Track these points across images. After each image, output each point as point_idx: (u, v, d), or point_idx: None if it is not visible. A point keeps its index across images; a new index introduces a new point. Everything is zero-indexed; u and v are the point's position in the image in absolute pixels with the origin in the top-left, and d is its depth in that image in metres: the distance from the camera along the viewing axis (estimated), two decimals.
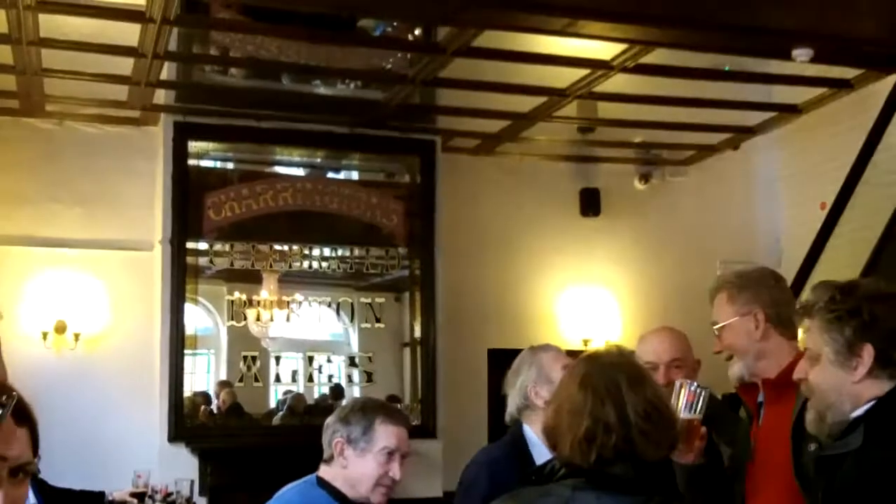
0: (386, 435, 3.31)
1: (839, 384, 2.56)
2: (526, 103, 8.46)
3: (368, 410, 3.38)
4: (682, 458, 3.11)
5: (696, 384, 3.16)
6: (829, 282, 2.71)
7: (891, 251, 8.10)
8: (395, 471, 3.31)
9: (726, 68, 8.02)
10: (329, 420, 3.41)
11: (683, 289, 8.53)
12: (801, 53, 6.63)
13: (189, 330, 8.38)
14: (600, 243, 9.92)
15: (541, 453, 3.50)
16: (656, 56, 7.38)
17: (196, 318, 8.63)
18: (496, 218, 9.67)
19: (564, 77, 7.93)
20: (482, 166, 9.74)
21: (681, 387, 3.15)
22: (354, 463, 3.31)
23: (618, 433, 2.37)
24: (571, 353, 3.73)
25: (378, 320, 9.06)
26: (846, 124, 8.74)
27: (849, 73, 7.99)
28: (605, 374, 2.46)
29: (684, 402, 3.12)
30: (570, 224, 9.96)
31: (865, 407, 2.53)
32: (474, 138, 9.41)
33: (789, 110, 8.81)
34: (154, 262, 8.48)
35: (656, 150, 9.89)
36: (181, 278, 8.30)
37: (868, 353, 2.52)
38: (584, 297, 9.83)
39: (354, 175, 9.71)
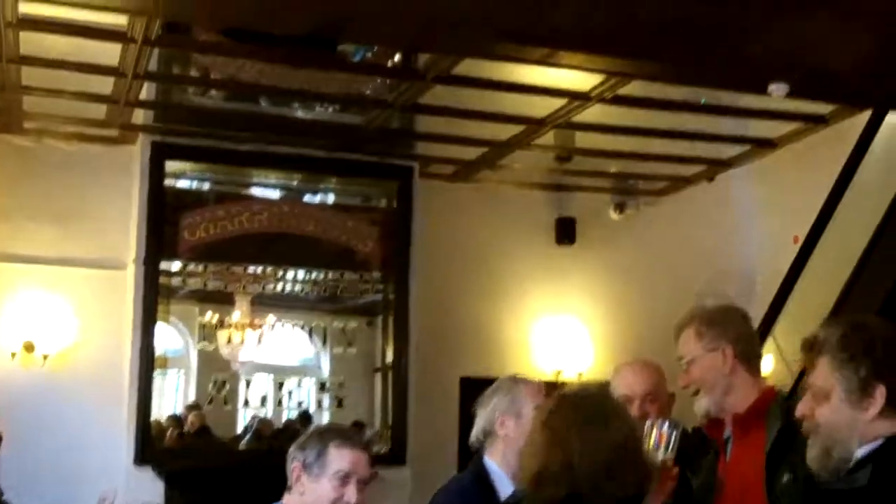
0: (339, 458, 3.26)
1: (849, 422, 2.56)
2: (504, 131, 8.50)
3: (324, 435, 3.35)
4: (654, 501, 3.11)
5: (667, 423, 3.16)
6: (838, 318, 2.73)
7: (862, 285, 8.15)
8: (351, 495, 3.24)
9: (703, 101, 8.07)
10: (291, 447, 3.39)
11: (657, 320, 8.42)
12: (777, 88, 6.67)
13: (159, 351, 8.33)
14: (575, 272, 9.94)
15: (503, 484, 3.51)
16: (634, 87, 7.43)
17: (167, 338, 8.59)
18: (472, 244, 9.67)
19: (542, 106, 7.96)
20: (459, 193, 9.74)
21: (652, 426, 3.16)
22: (310, 488, 3.27)
23: (568, 476, 2.36)
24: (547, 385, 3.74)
25: (350, 345, 9.05)
26: (821, 158, 8.79)
27: (824, 108, 8.07)
28: (566, 414, 2.45)
29: (655, 442, 3.12)
30: (546, 252, 9.98)
31: (872, 445, 2.54)
32: (452, 164, 9.43)
33: (764, 144, 8.87)
34: (127, 282, 8.43)
35: (632, 180, 9.93)
36: (153, 298, 8.25)
37: (881, 393, 2.52)
38: (558, 326, 9.83)
39: (331, 198, 9.71)
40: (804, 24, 6.11)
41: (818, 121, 8.26)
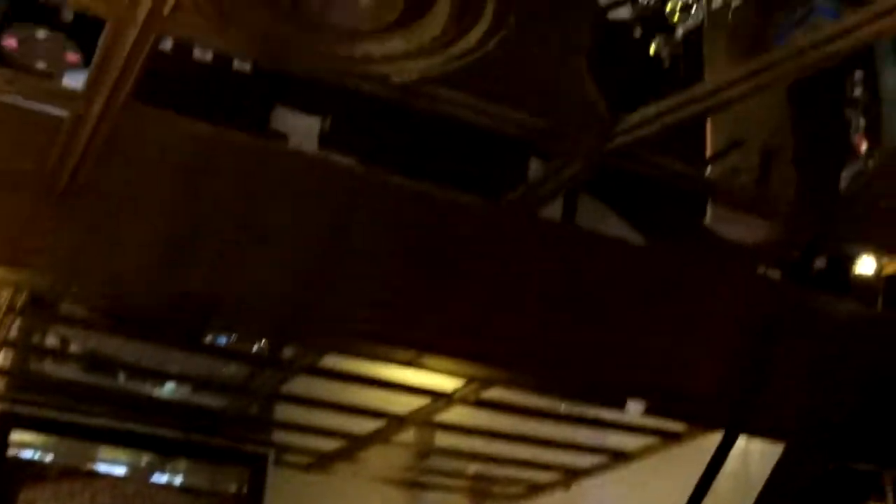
0: None
1: None
2: (364, 425, 8.44)
3: None
4: None
5: None
6: None
7: None
8: None
9: (562, 409, 8.19)
10: None
11: None
12: (634, 406, 6.84)
13: None
14: None
15: None
16: (497, 391, 7.51)
17: None
18: None
19: (405, 403, 7.97)
20: (314, 483, 9.54)
21: None
22: None
23: None
24: None
25: None
26: (676, 472, 8.86)
27: (679, 426, 8.25)
28: None
29: None
30: None
31: None
32: (308, 455, 9.27)
33: (620, 457, 8.98)
34: None
35: (489, 482, 9.88)
36: None
37: None
38: None
39: (179, 479, 9.39)
40: (661, 348, 6.37)
41: (673, 437, 8.43)
